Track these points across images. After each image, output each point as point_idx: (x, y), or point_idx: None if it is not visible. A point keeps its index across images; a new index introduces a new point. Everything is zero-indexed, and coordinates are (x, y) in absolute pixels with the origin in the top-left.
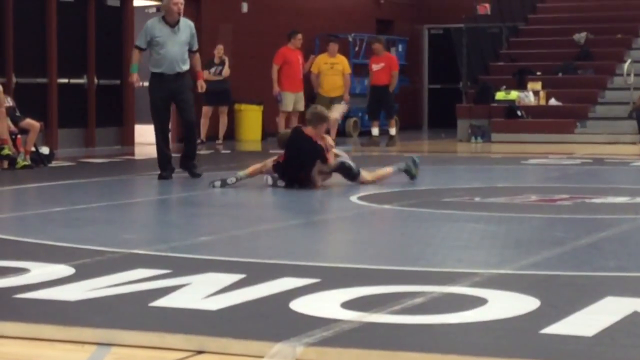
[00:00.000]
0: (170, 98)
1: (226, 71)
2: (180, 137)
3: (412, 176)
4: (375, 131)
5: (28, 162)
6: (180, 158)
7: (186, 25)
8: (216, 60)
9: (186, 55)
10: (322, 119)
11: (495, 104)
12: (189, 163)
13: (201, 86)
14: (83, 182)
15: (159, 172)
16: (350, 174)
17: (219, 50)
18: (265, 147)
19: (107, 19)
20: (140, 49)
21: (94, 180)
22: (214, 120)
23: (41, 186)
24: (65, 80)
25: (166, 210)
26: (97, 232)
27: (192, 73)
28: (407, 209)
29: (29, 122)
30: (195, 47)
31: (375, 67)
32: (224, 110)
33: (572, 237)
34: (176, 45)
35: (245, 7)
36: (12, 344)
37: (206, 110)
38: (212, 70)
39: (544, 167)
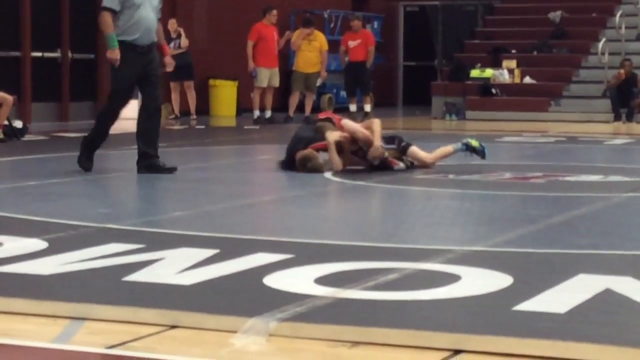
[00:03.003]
0: (140, 75)
1: (184, 42)
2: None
3: (478, 151)
4: (352, 107)
5: (1, 136)
6: (142, 156)
7: None
8: (173, 35)
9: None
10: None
11: (470, 82)
12: (154, 159)
13: (169, 63)
14: (57, 157)
15: (87, 158)
16: (399, 147)
17: (173, 24)
18: (240, 123)
19: None
20: (113, 12)
21: (68, 155)
22: (182, 96)
23: (14, 160)
24: (39, 54)
25: (140, 185)
26: (71, 206)
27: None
28: (381, 186)
29: (2, 95)
30: (160, 14)
31: (352, 43)
32: (190, 84)
33: (545, 215)
34: (151, 9)
35: None
36: None
37: (174, 85)
38: (172, 45)
39: (518, 145)
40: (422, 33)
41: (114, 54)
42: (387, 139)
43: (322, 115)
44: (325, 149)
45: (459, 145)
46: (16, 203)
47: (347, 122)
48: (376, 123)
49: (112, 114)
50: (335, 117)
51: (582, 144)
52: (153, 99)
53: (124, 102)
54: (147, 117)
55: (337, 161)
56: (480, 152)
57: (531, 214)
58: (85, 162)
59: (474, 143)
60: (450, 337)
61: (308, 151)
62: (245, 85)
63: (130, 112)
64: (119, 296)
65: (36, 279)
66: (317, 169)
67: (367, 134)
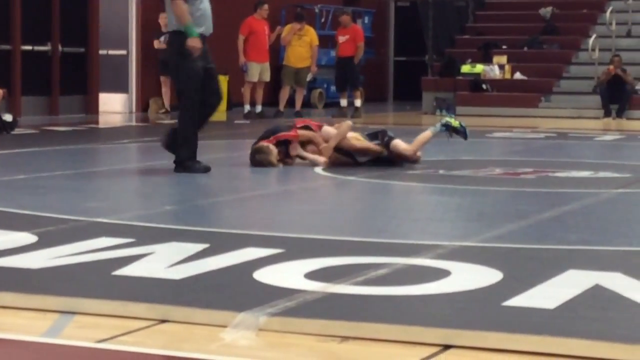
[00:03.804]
0: (204, 67)
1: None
2: (146, 107)
3: (459, 131)
4: (343, 102)
5: None
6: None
7: None
8: (163, 29)
9: None
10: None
11: (460, 77)
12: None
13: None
14: (47, 150)
15: (197, 161)
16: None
17: (163, 18)
18: (230, 117)
19: None
20: (185, 0)
21: (58, 149)
22: (172, 90)
23: (4, 154)
24: (29, 48)
25: (130, 179)
26: (61, 200)
27: None
28: (372, 181)
29: None
30: None
31: (341, 38)
32: None
33: (535, 211)
34: (209, 0)
35: None
36: None
37: (164, 79)
38: (162, 39)
39: (509, 141)
40: (412, 28)
41: (197, 42)
42: (372, 135)
43: (299, 124)
44: (288, 140)
45: (438, 127)
46: (6, 197)
47: (326, 129)
48: (344, 126)
49: (194, 109)
50: (313, 123)
51: (573, 140)
52: (215, 92)
53: (200, 95)
54: (211, 108)
55: (316, 158)
56: (461, 133)
57: (521, 209)
58: (199, 165)
59: (454, 123)
60: (440, 332)
61: (265, 144)
62: (236, 80)
63: (118, 107)
64: (108, 290)
65: (26, 273)
66: (265, 163)
67: (354, 141)
